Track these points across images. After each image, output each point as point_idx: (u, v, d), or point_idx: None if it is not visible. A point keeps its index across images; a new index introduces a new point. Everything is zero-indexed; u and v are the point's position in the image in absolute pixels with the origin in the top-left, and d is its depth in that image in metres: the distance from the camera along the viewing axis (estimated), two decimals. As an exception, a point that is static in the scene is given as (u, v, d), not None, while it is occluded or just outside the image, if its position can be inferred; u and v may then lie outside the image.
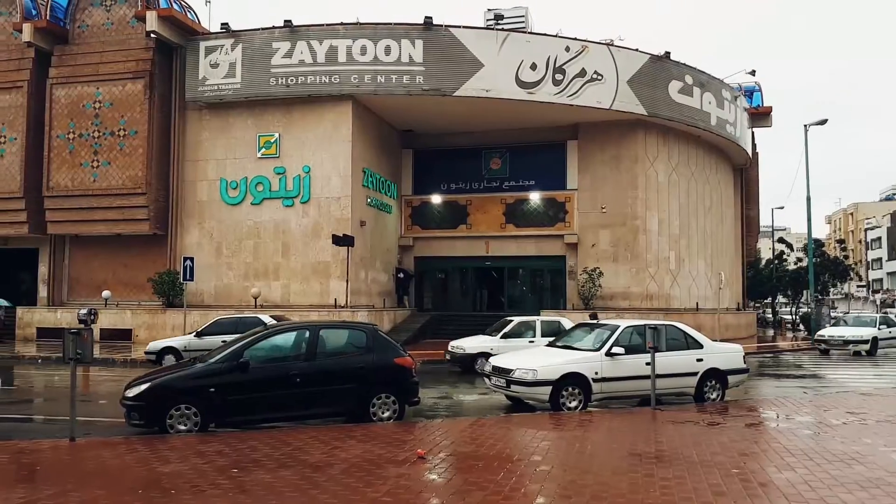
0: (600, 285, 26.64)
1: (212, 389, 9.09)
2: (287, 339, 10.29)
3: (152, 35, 25.64)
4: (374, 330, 10.75)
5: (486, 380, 12.03)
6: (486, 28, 24.73)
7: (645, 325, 11.07)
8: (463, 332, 21.27)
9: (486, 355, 15.33)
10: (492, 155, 30.08)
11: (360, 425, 9.42)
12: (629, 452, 7.82)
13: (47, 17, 26.67)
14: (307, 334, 10.08)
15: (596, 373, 10.96)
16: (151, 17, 25.19)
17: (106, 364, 19.15)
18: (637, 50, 26.75)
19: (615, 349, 11.11)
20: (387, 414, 9.90)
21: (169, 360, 16.53)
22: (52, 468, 7.34)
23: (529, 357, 11.89)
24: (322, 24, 25.15)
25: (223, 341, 13.43)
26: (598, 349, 11.25)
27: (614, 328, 11.69)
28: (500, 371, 11.41)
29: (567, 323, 17.62)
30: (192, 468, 6.99)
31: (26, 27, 26.22)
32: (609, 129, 27.75)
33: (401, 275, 29.48)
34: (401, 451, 7.84)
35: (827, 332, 25.68)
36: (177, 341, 17.74)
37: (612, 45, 26.47)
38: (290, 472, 6.83)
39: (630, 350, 11.17)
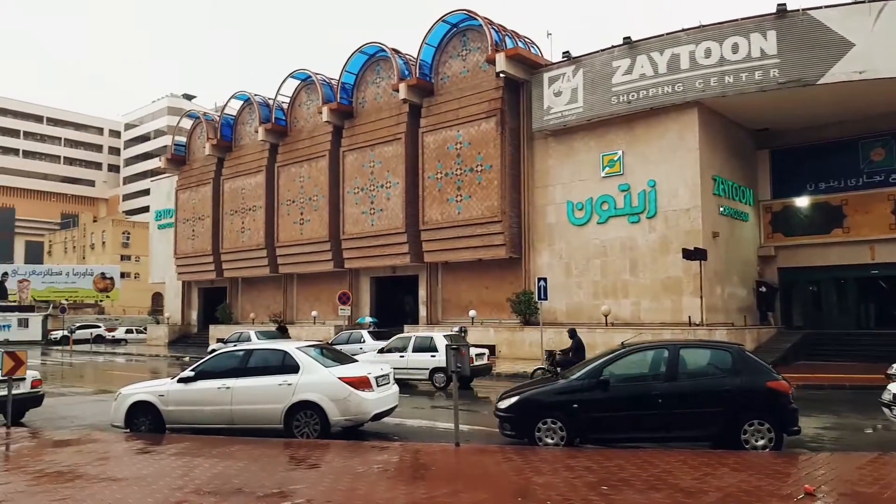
0: None
1: (575, 405, 9.32)
2: (645, 358, 10.09)
3: (501, 75, 27.90)
4: (741, 350, 9.94)
5: (887, 410, 10.20)
6: (855, 2, 21.46)
7: None
8: (846, 353, 18.49)
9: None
10: (872, 145, 25.79)
11: (731, 453, 8.74)
12: None
13: (417, 75, 30.88)
14: (666, 354, 9.75)
15: None
16: (500, 58, 27.45)
17: (475, 377, 21.04)
18: None
19: None
20: (761, 442, 9.01)
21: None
22: (443, 469, 8.26)
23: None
24: (662, 35, 24.58)
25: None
26: None
27: None
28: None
29: None
30: (563, 481, 7.23)
31: (402, 86, 30.76)
32: None
33: (763, 289, 26.91)
34: (783, 485, 7.05)
35: None
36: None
37: None
38: (662, 496, 6.62)
39: None
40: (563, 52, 27.18)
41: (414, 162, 31.32)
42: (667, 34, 24.47)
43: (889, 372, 14.43)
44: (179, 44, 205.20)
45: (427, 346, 18.38)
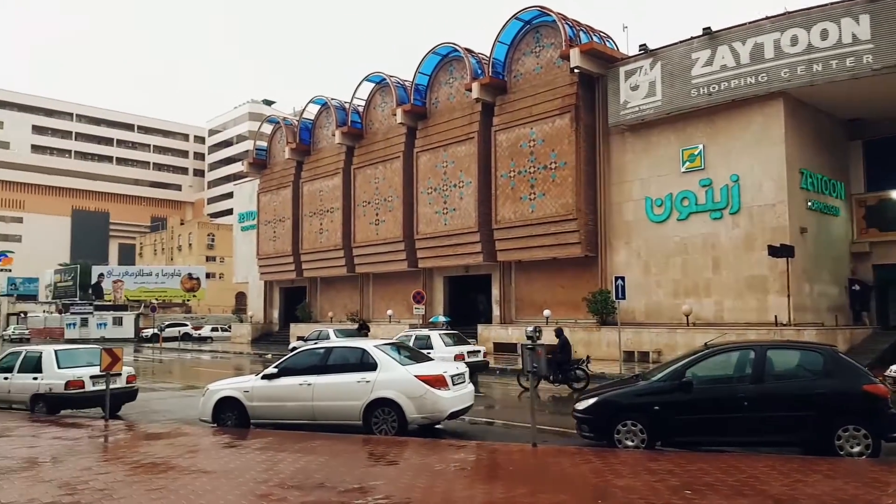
0: None
1: (656, 407, 9.10)
2: (730, 359, 9.74)
3: (575, 70, 27.52)
4: (833, 352, 9.47)
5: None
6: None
7: None
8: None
9: None
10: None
11: (823, 459, 8.32)
12: None
13: (490, 74, 30.84)
14: (752, 355, 9.38)
15: None
16: (574, 53, 27.08)
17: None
18: None
19: None
20: (857, 449, 8.54)
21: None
22: (520, 469, 8.21)
23: None
24: (744, 24, 23.67)
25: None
26: None
27: None
28: None
29: None
30: (644, 484, 7.06)
31: (474, 86, 30.80)
32: None
33: (856, 287, 25.49)
34: (883, 494, 6.66)
35: None
36: None
37: None
38: (749, 502, 6.37)
39: None
40: (640, 46, 26.57)
41: (486, 161, 31.29)
42: (749, 23, 23.54)
43: (888, 374, 13.55)
44: (258, 49, 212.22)
45: (424, 346, 18.27)
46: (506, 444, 9.85)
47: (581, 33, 29.00)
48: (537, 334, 9.68)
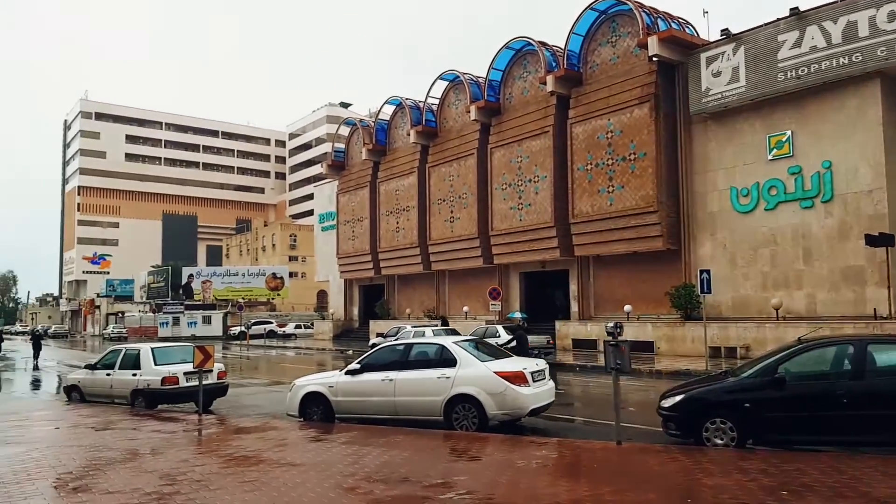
0: None
1: (747, 405, 8.74)
2: (826, 354, 9.23)
3: (654, 59, 26.80)
4: (943, 345, 8.84)
5: None
6: None
7: None
8: None
9: None
10: None
11: (935, 460, 7.80)
12: None
13: (564, 66, 30.43)
14: (851, 350, 8.86)
15: None
16: (653, 41, 26.37)
17: (633, 374, 20.42)
18: None
19: None
20: (972, 450, 7.96)
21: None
22: (605, 467, 8.08)
23: None
24: (835, 2, 22.48)
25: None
26: None
27: None
28: None
29: None
30: (736, 484, 6.81)
31: (549, 79, 30.46)
32: None
33: (965, 278, 23.76)
34: None
35: None
36: None
37: None
38: (851, 505, 6.05)
39: None
40: (722, 31, 25.61)
41: (562, 154, 30.90)
42: (840, 0, 22.30)
43: None
44: (331, 51, 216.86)
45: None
46: (588, 441, 9.70)
47: (659, 21, 28.20)
48: (618, 330, 9.49)
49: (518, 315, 30.97)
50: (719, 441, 8.80)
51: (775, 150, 24.42)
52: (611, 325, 9.48)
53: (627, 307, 28.20)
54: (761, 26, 24.43)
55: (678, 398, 9.32)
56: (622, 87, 28.47)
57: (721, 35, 25.63)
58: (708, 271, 20.78)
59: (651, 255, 28.29)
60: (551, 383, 11.57)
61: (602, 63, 29.88)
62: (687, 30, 28.99)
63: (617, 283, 30.37)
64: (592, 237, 29.63)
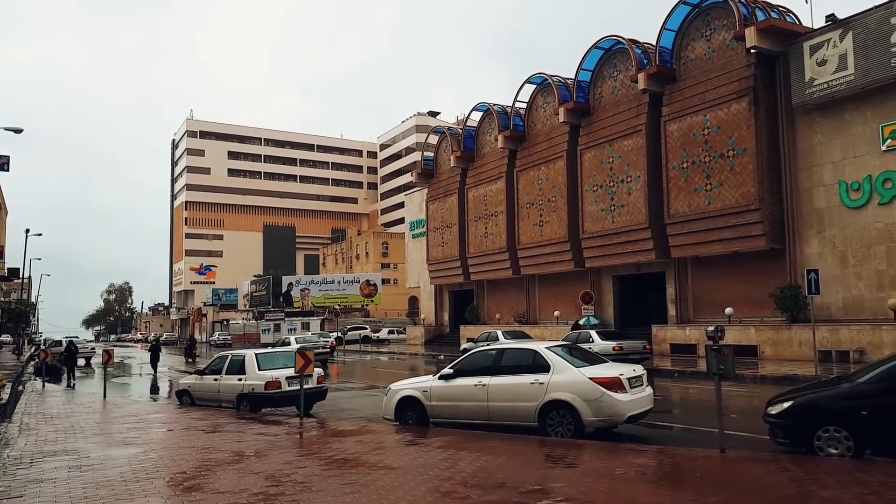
0: None
1: (864, 412, 8.17)
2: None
3: (752, 50, 25.66)
4: None
5: None
6: None
7: None
8: None
9: None
10: None
11: None
12: None
13: (656, 63, 29.62)
14: (984, 353, 8.16)
15: None
16: (750, 33, 25.27)
17: (735, 380, 19.52)
18: None
19: None
20: None
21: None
22: (708, 476, 7.76)
23: None
24: (954, -23, 20.79)
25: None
26: None
27: None
28: None
29: None
30: (855, 497, 6.38)
31: (640, 77, 29.73)
32: None
33: None
34: None
35: None
36: None
37: None
38: None
39: None
40: (827, 16, 24.24)
41: (655, 153, 30.04)
42: (962, -25, 20.64)
43: None
44: (421, 62, 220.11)
45: None
46: (689, 448, 9.36)
47: (756, 10, 26.96)
48: (720, 334, 9.08)
49: (593, 321, 30.17)
50: (833, 451, 8.27)
51: (890, 140, 22.80)
52: (711, 328, 9.07)
53: (728, 310, 27.01)
54: (872, 9, 22.92)
55: (787, 405, 8.83)
56: (718, 81, 27.40)
57: (826, 21, 24.24)
58: (816, 271, 19.59)
59: (752, 256, 27.01)
60: (649, 389, 11.24)
61: (696, 58, 28.87)
62: (787, 18, 27.57)
63: (716, 285, 29.17)
64: (690, 238, 28.61)
